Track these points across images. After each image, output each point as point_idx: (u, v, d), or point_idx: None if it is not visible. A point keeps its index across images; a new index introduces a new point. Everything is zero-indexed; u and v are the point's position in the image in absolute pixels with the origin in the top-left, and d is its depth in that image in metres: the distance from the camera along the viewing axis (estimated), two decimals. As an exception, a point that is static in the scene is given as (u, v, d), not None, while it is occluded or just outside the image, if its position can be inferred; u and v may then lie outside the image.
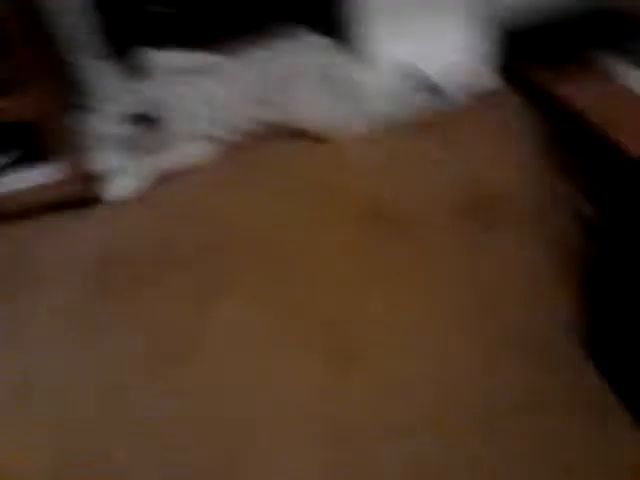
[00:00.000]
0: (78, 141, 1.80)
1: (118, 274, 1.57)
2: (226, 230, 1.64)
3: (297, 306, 1.39)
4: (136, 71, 1.92)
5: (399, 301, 1.37)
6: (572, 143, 1.17)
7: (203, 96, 1.84)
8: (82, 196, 1.77)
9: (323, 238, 1.56)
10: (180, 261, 1.57)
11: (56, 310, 1.50)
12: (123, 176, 1.81)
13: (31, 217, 1.78)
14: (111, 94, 1.92)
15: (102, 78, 1.96)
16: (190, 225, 1.68)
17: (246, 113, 1.85)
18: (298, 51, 1.84)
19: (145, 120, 1.80)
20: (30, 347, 1.42)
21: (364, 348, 1.27)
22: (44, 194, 1.77)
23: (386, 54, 1.88)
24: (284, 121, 1.87)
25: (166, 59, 1.89)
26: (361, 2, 1.84)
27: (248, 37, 1.90)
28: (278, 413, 1.18)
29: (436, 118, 1.88)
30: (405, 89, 1.87)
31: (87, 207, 1.78)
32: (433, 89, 1.87)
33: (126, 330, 1.41)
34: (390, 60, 1.87)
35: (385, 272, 1.44)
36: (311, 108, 1.83)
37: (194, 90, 1.84)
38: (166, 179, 1.85)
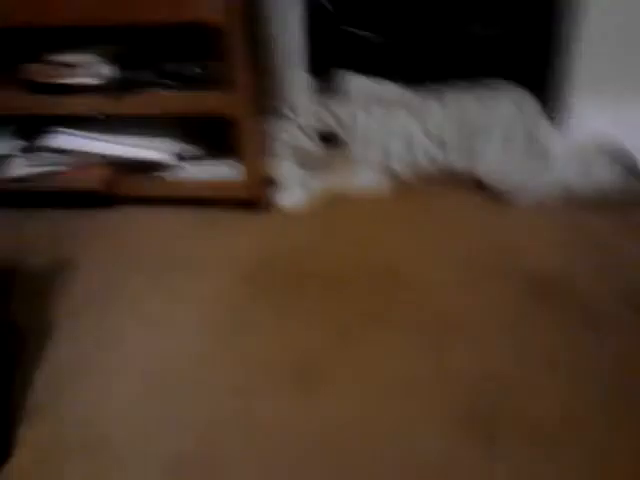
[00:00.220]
0: (263, 146, 1.88)
1: (267, 280, 1.60)
2: (373, 263, 1.63)
3: (443, 365, 1.34)
4: (331, 91, 1.98)
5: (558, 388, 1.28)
6: None
7: (389, 128, 1.85)
8: (252, 199, 1.84)
9: (477, 299, 1.51)
10: (328, 284, 1.57)
11: (203, 301, 1.54)
12: (294, 188, 1.85)
13: (199, 208, 1.85)
14: (303, 108, 1.97)
15: (298, 91, 2.02)
16: (345, 249, 1.69)
17: (428, 154, 1.85)
18: (496, 103, 1.81)
19: (328, 139, 1.83)
20: (171, 333, 1.46)
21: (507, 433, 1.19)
22: (218, 188, 1.85)
23: (586, 124, 1.85)
24: (464, 170, 1.86)
25: (361, 84, 1.92)
26: (569, 67, 1.82)
27: (448, 80, 1.90)
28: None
29: (627, 199, 1.77)
30: (600, 163, 1.81)
31: (253, 209, 1.84)
32: (631, 168, 1.79)
33: (263, 338, 1.43)
34: (589, 131, 1.84)
35: (542, 353, 1.36)
36: (496, 163, 1.81)
37: (382, 120, 1.85)
38: (333, 200, 1.87)
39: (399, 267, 1.62)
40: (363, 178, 1.89)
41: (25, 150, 1.92)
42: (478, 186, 1.86)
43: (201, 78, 1.76)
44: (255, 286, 1.58)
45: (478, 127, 1.81)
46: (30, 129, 1.93)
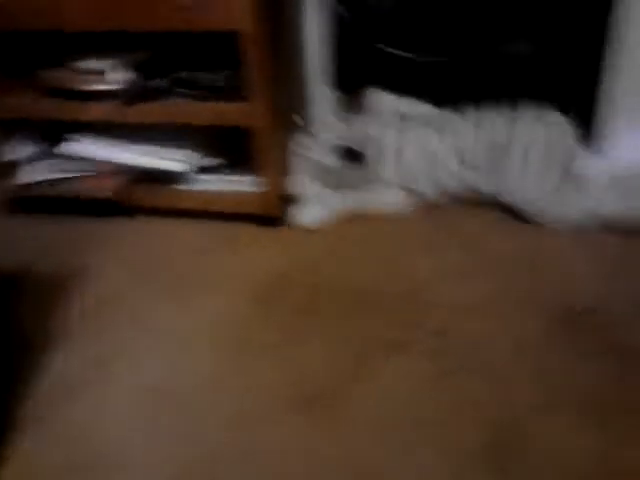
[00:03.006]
0: (283, 160, 1.82)
1: (283, 299, 1.53)
2: (393, 286, 1.55)
3: (460, 397, 1.25)
4: (356, 107, 1.92)
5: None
6: None
7: (415, 147, 1.79)
8: (269, 214, 1.79)
9: (501, 326, 1.42)
10: (346, 305, 1.50)
11: (214, 318, 1.49)
12: (314, 205, 1.79)
13: (215, 220, 1.81)
14: (327, 124, 1.91)
15: (323, 106, 1.98)
16: (364, 270, 1.62)
17: (455, 175, 1.78)
18: (529, 125, 1.73)
19: (351, 156, 1.77)
20: (178, 350, 1.41)
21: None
22: (236, 202, 1.80)
23: (625, 152, 1.75)
24: (492, 192, 1.78)
25: (387, 102, 1.85)
26: (608, 92, 1.73)
27: (481, 100, 1.82)
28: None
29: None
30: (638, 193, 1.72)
31: (271, 225, 1.78)
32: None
33: (274, 361, 1.36)
34: (628, 159, 1.74)
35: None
36: (526, 187, 1.73)
37: (407, 139, 1.79)
38: (354, 218, 1.81)
39: (420, 290, 1.54)
40: (386, 197, 1.83)
41: (43, 155, 1.90)
42: (506, 209, 1.78)
43: (220, 88, 1.72)
44: (269, 305, 1.52)
45: (509, 149, 1.73)
46: (49, 135, 1.91)
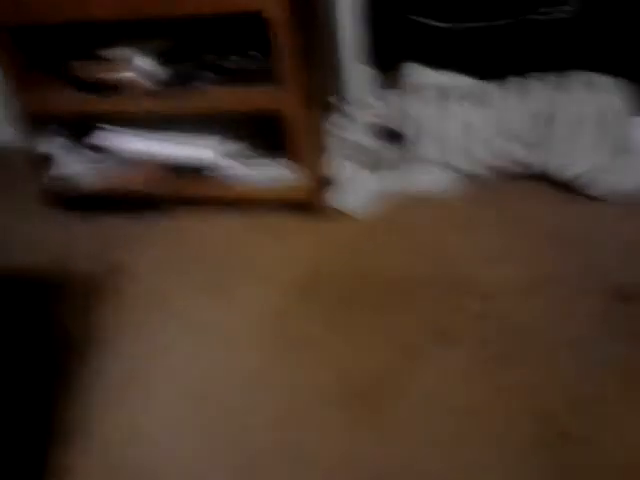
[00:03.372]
0: (319, 144, 1.76)
1: (324, 290, 1.48)
2: (439, 272, 1.49)
3: (526, 386, 1.19)
4: (394, 84, 1.84)
5: None
6: None
7: (457, 122, 1.70)
8: (307, 200, 1.72)
9: (551, 309, 1.35)
10: (388, 293, 1.44)
11: (255, 313, 1.44)
12: (352, 189, 1.73)
13: (251, 210, 1.76)
14: (364, 103, 1.84)
15: (360, 85, 1.91)
16: (407, 256, 1.56)
17: (500, 149, 1.69)
18: (579, 92, 1.62)
19: (391, 136, 1.70)
20: (220, 347, 1.38)
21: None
22: (271, 189, 1.74)
23: None
24: (539, 165, 1.69)
25: (427, 77, 1.78)
26: None
27: (523, 70, 1.72)
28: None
29: None
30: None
31: (308, 212, 1.72)
32: None
33: (317, 357, 1.31)
34: None
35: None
36: (574, 157, 1.63)
37: (449, 114, 1.70)
38: (394, 201, 1.73)
39: (468, 275, 1.47)
40: (429, 178, 1.75)
41: (74, 149, 1.87)
42: (554, 183, 1.69)
43: (250, 72, 1.66)
44: (311, 297, 1.47)
45: (557, 120, 1.63)
46: (77, 128, 1.88)
